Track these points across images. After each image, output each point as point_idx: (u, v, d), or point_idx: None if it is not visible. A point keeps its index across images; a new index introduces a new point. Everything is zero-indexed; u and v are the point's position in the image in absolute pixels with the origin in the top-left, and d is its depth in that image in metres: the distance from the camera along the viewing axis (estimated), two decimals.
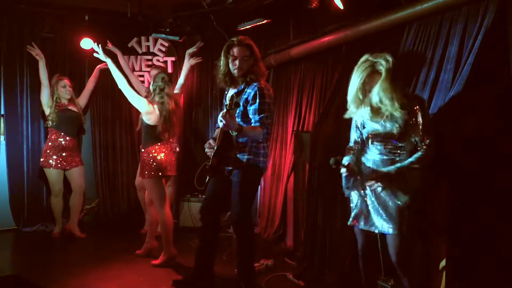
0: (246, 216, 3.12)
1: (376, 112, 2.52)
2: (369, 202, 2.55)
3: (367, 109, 2.56)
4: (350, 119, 3.30)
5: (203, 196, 4.79)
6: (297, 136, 4.03)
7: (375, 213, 2.51)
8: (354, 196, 2.64)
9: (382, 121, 2.52)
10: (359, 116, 2.67)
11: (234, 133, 2.92)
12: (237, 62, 2.97)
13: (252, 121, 2.98)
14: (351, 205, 2.69)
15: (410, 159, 2.41)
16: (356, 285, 2.95)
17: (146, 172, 3.70)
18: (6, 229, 4.81)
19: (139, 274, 3.60)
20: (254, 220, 4.92)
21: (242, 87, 3.05)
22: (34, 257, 4.03)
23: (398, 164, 2.43)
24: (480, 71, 2.49)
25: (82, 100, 4.94)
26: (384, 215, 2.46)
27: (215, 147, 3.03)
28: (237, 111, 3.03)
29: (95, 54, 3.93)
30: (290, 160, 4.33)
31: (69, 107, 4.72)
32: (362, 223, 2.59)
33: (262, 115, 2.95)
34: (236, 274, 3.28)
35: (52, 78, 4.71)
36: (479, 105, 2.52)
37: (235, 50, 2.98)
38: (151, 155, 3.70)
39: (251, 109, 2.99)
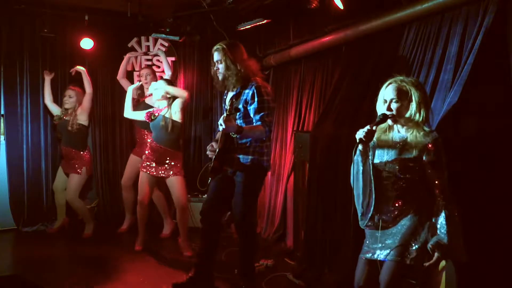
0: (249, 216, 3.12)
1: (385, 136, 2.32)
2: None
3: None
4: (348, 118, 3.30)
5: (204, 196, 4.85)
6: (297, 136, 4.03)
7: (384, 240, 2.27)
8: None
9: (389, 148, 2.27)
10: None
11: (234, 135, 2.94)
12: (216, 67, 3.09)
13: (253, 120, 2.99)
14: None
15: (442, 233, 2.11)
16: None
17: (182, 169, 4.11)
18: (6, 229, 4.81)
19: (139, 274, 3.60)
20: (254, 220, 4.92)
21: (239, 89, 3.07)
22: (34, 257, 4.03)
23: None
24: (480, 71, 2.49)
25: (84, 104, 4.75)
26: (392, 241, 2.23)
27: (217, 150, 3.04)
28: (238, 113, 3.03)
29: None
30: (290, 160, 4.33)
31: (66, 117, 4.65)
32: (369, 252, 2.32)
33: (262, 113, 2.96)
34: (236, 274, 3.29)
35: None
36: (479, 105, 2.52)
37: (214, 56, 3.09)
38: (181, 154, 4.15)
39: (251, 108, 3.00)
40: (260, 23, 4.35)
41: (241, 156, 3.05)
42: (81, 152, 4.69)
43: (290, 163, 4.34)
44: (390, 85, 2.26)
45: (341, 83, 3.63)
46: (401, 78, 2.27)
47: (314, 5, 3.58)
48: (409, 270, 2.23)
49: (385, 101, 2.26)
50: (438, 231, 2.13)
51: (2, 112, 4.82)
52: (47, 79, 4.77)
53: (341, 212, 3.29)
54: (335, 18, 3.71)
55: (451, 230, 2.10)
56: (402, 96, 2.22)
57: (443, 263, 2.52)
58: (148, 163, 4.07)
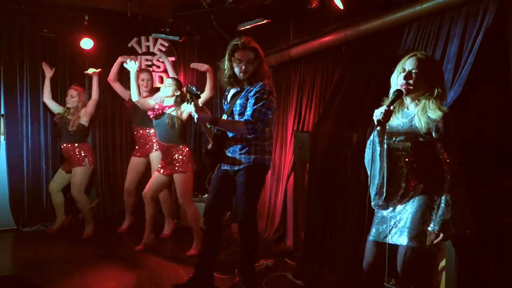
0: (252, 216, 3.12)
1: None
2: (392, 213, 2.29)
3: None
4: (348, 118, 3.29)
5: (203, 196, 4.85)
6: (297, 136, 4.03)
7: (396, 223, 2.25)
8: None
9: (400, 123, 2.26)
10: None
11: (210, 126, 2.98)
12: (242, 66, 2.96)
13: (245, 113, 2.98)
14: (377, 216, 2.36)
15: (444, 206, 2.09)
16: (356, 285, 2.95)
17: (190, 166, 4.03)
18: (6, 229, 4.81)
19: (139, 274, 3.60)
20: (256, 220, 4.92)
21: (245, 87, 3.04)
22: (34, 257, 4.03)
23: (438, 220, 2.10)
24: (480, 71, 2.49)
25: (89, 108, 4.74)
26: (405, 224, 2.21)
27: (210, 145, 3.07)
28: (239, 108, 3.03)
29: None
30: (290, 160, 4.33)
31: (68, 117, 4.66)
32: (380, 235, 2.29)
33: (255, 106, 2.91)
34: (236, 274, 3.28)
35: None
36: (479, 105, 2.52)
37: (240, 54, 2.96)
38: (188, 149, 4.07)
39: (248, 103, 2.98)
40: (260, 23, 4.35)
41: (243, 156, 3.04)
42: (81, 144, 4.69)
43: (290, 163, 4.34)
44: (412, 57, 2.24)
45: (341, 83, 3.63)
46: (424, 52, 2.27)
47: (314, 5, 3.58)
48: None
49: (404, 70, 2.22)
50: (442, 210, 2.09)
51: (2, 112, 4.82)
52: (47, 77, 4.78)
53: (341, 212, 3.29)
54: (335, 18, 3.71)
55: (456, 207, 2.06)
56: (423, 68, 2.19)
57: (443, 263, 2.53)
58: (161, 164, 4.12)
